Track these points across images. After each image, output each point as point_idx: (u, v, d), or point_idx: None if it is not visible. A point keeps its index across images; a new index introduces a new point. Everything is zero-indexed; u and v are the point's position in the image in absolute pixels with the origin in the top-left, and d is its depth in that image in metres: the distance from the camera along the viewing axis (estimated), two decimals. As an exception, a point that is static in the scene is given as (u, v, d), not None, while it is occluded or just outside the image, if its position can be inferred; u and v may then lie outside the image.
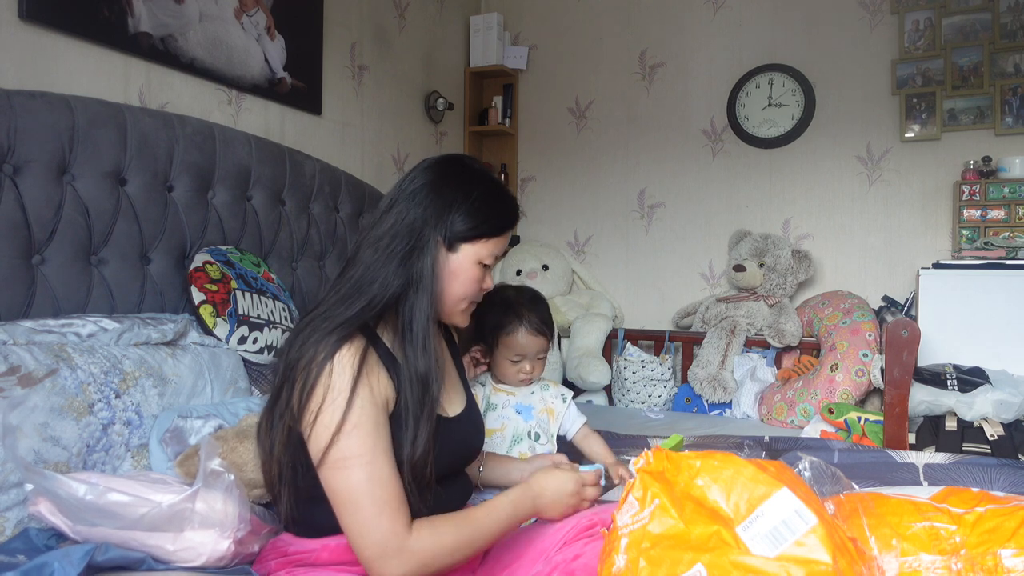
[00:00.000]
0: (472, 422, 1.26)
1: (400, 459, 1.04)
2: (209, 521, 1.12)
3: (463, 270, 1.15)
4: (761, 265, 3.01)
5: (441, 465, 1.12)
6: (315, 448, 1.01)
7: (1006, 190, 2.73)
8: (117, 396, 1.40)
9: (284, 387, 1.06)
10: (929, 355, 2.48)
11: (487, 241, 1.15)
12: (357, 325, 1.06)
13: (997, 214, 2.75)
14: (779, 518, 0.85)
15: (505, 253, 3.49)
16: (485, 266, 1.17)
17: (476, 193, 1.15)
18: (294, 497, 1.09)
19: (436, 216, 1.11)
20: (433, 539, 1.01)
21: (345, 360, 1.02)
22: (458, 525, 1.04)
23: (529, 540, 1.17)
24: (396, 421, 1.06)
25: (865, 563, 0.91)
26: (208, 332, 1.71)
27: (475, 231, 1.14)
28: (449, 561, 1.02)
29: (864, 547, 0.96)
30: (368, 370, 1.04)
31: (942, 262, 2.59)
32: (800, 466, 1.02)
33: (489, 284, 1.21)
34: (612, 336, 3.19)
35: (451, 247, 1.13)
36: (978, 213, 2.77)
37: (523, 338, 1.54)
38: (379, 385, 1.05)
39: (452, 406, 1.23)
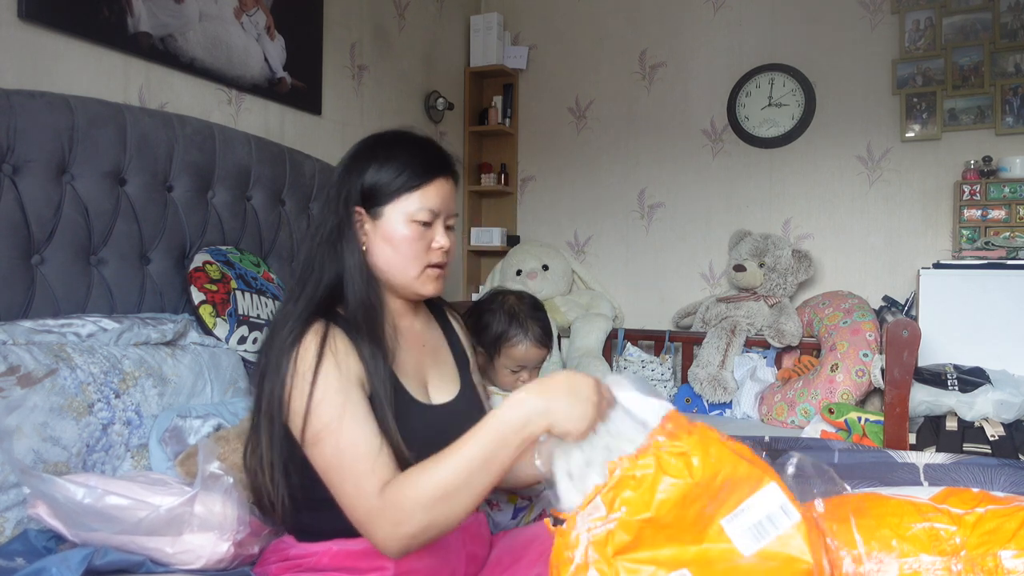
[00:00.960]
0: (462, 413, 1.18)
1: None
2: (208, 524, 1.12)
3: (395, 233, 1.10)
4: (761, 265, 3.01)
5: (425, 455, 1.07)
6: (296, 434, 1.01)
7: (1006, 190, 2.73)
8: (117, 396, 1.40)
9: (262, 397, 1.06)
10: (929, 355, 2.48)
11: (410, 194, 1.09)
12: (311, 312, 1.06)
13: (998, 214, 2.75)
14: (764, 512, 0.85)
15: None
16: (424, 224, 1.10)
17: (382, 151, 1.11)
18: (292, 503, 1.07)
19: (349, 188, 1.10)
20: (399, 491, 0.91)
21: (307, 344, 1.03)
22: (432, 464, 0.91)
23: (529, 541, 1.17)
24: (374, 402, 1.04)
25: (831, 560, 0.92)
26: (208, 332, 1.71)
27: (390, 187, 1.09)
28: (428, 509, 0.89)
29: (846, 547, 0.96)
30: (333, 348, 1.03)
31: (942, 262, 2.59)
32: (788, 463, 1.01)
33: (444, 243, 1.13)
34: (612, 336, 3.18)
35: (375, 214, 1.10)
36: (978, 213, 2.77)
37: (527, 350, 1.55)
38: (348, 362, 1.03)
39: (439, 393, 1.18)
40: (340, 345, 1.04)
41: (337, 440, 0.97)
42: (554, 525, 0.88)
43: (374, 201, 1.10)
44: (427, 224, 1.11)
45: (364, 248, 1.12)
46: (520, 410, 0.89)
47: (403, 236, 1.09)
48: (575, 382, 0.90)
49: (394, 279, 1.13)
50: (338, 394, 1.00)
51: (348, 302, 1.09)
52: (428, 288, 1.14)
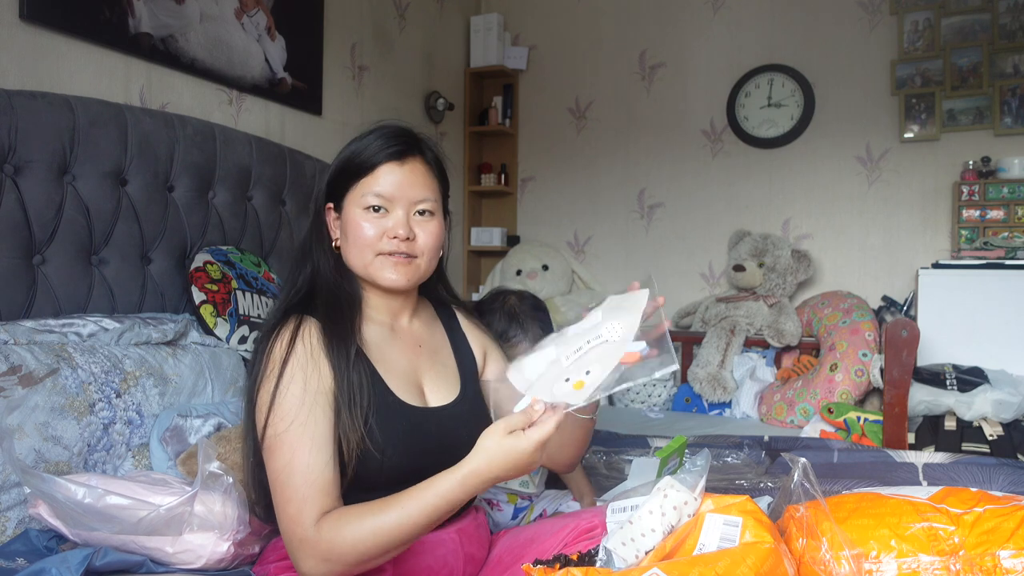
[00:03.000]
0: (460, 416, 1.14)
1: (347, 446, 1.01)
2: (208, 523, 1.12)
3: (350, 223, 1.09)
4: (761, 265, 3.02)
5: (417, 460, 1.06)
6: (259, 430, 1.01)
7: (1005, 190, 2.73)
8: (118, 396, 1.40)
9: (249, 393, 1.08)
10: (928, 355, 2.49)
11: (358, 181, 1.09)
12: (286, 309, 1.08)
13: (996, 214, 2.75)
14: (718, 535, 0.91)
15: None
16: (375, 208, 1.08)
17: (346, 148, 1.13)
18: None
19: (320, 187, 1.14)
20: (336, 529, 0.92)
21: (280, 339, 1.03)
22: (371, 513, 0.91)
23: (529, 541, 1.17)
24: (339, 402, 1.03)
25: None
26: (208, 332, 1.71)
27: (344, 179, 1.10)
28: (362, 553, 0.91)
29: (846, 547, 0.97)
30: (305, 342, 1.02)
31: (941, 262, 2.59)
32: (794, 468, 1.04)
33: (399, 232, 1.07)
34: (612, 336, 3.18)
35: (339, 208, 1.12)
36: (977, 213, 2.78)
37: (526, 352, 1.54)
38: (318, 361, 1.02)
39: (436, 395, 1.14)
40: (314, 340, 1.03)
41: (292, 456, 0.96)
42: (534, 565, 0.92)
43: (337, 195, 1.12)
44: (378, 209, 1.08)
45: (337, 244, 1.14)
46: (467, 489, 0.90)
47: (355, 224, 1.09)
48: (516, 460, 0.88)
49: (355, 270, 1.12)
50: (302, 404, 0.99)
51: (319, 299, 1.09)
52: (385, 275, 1.09)
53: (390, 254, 1.08)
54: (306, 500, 0.95)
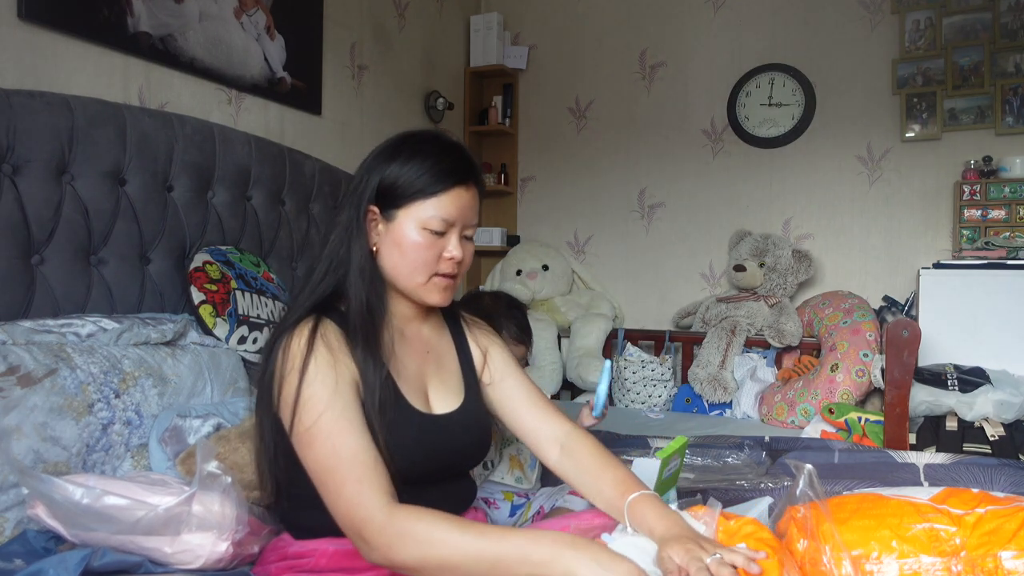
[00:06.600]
0: (463, 423, 1.16)
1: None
2: (207, 523, 1.12)
3: (405, 239, 1.06)
4: (761, 265, 3.01)
5: (420, 465, 1.07)
6: (286, 426, 1.01)
7: (1007, 190, 2.73)
8: (117, 396, 1.39)
9: (260, 387, 1.07)
10: (930, 355, 2.48)
11: (425, 201, 1.05)
12: (312, 305, 1.06)
13: (998, 214, 2.75)
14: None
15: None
16: (437, 232, 1.06)
17: (404, 152, 1.07)
18: (287, 497, 1.08)
19: (366, 185, 1.07)
20: (416, 522, 0.91)
21: (299, 333, 1.02)
22: (461, 529, 0.91)
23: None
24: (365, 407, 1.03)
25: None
26: (208, 332, 1.71)
27: (406, 191, 1.05)
28: (433, 559, 0.89)
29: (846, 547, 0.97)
30: (326, 341, 1.02)
31: (943, 262, 2.59)
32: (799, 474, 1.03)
33: (456, 254, 1.08)
34: (612, 336, 3.18)
35: (388, 216, 1.07)
36: (979, 213, 2.77)
37: None
38: (341, 358, 1.02)
39: (441, 402, 1.16)
40: (333, 340, 1.03)
41: (333, 442, 0.96)
42: None
43: (389, 203, 1.07)
44: (440, 233, 1.07)
45: (375, 248, 1.09)
46: (553, 566, 0.86)
47: (413, 243, 1.06)
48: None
49: (400, 284, 1.10)
50: (333, 394, 0.99)
51: (349, 303, 1.08)
52: (434, 297, 1.10)
53: (442, 276, 1.09)
54: (362, 481, 0.94)
